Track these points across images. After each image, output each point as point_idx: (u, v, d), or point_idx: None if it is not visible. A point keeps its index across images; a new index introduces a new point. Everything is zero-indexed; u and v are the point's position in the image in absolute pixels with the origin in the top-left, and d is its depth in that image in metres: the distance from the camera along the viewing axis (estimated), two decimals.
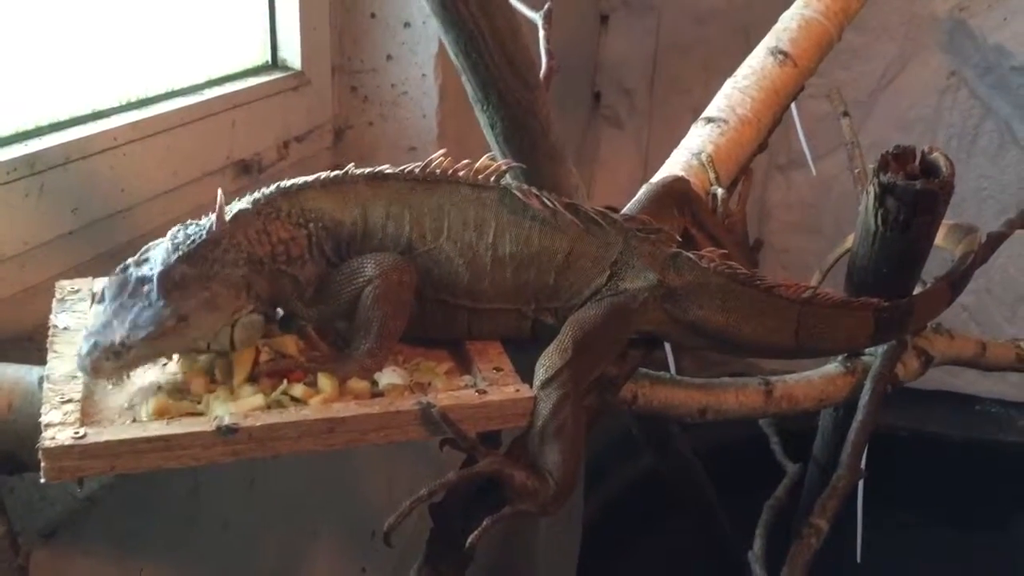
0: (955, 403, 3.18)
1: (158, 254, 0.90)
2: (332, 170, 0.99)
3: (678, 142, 1.42)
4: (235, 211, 0.94)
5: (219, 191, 0.92)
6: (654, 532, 2.75)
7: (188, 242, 0.90)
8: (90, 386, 0.90)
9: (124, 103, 1.36)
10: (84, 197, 1.23)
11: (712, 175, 1.30)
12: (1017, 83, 2.83)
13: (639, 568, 2.71)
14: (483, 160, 1.01)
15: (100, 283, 1.06)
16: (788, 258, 3.15)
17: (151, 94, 1.41)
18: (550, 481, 0.95)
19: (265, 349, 0.95)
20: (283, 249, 0.94)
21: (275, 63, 1.72)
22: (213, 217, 0.91)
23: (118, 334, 0.86)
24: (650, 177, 1.26)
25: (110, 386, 0.90)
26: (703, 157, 1.31)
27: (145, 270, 0.88)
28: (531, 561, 2.12)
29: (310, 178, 0.98)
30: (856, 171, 1.65)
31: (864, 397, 1.32)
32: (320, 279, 0.97)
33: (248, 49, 1.67)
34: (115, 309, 0.87)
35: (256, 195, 0.96)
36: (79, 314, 1.00)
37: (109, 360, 0.85)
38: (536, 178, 1.07)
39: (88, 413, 0.86)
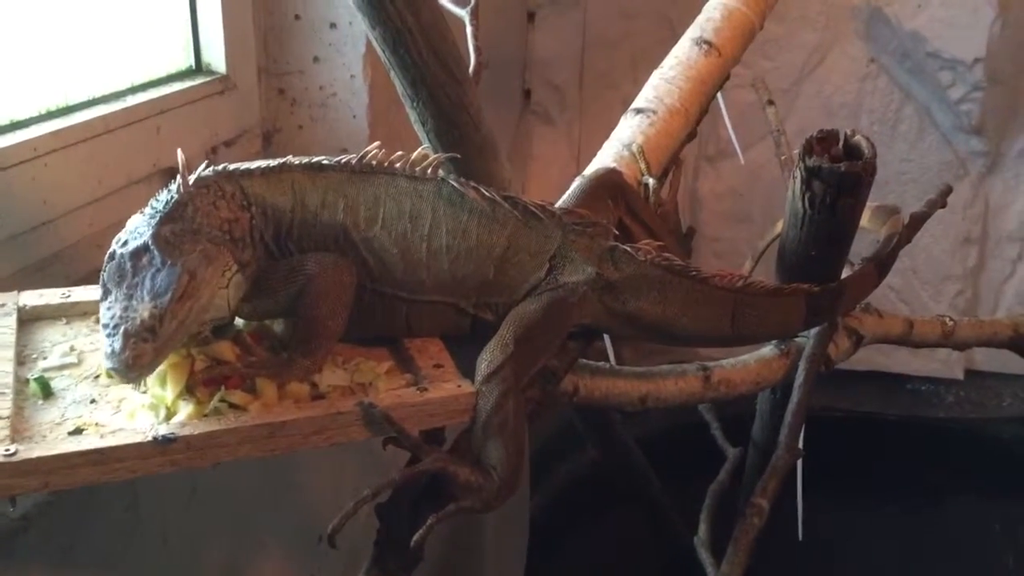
0: (886, 383, 3.26)
1: (138, 227, 0.89)
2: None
3: (609, 136, 1.43)
4: (196, 176, 0.93)
5: (179, 151, 0.91)
6: (602, 524, 2.77)
7: (163, 206, 0.89)
8: (19, 402, 0.88)
9: (44, 112, 1.32)
10: (4, 210, 1.19)
11: (643, 165, 1.31)
12: (933, 68, 2.90)
13: (588, 561, 2.73)
14: (419, 152, 1.01)
15: (26, 296, 1.04)
16: (720, 247, 3.20)
17: (72, 102, 1.37)
18: (494, 476, 0.96)
19: (200, 357, 0.93)
20: (228, 228, 0.93)
21: (199, 67, 1.69)
22: (179, 180, 0.91)
23: (144, 310, 0.83)
24: (583, 172, 1.27)
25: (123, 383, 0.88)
26: (634, 148, 1.32)
27: (133, 245, 0.87)
28: (479, 558, 2.12)
29: (251, 165, 0.98)
30: (783, 158, 1.68)
31: (799, 378, 1.35)
32: (257, 271, 0.96)
33: (171, 54, 1.64)
34: (126, 292, 0.85)
35: (204, 173, 0.95)
36: (4, 329, 0.97)
37: (147, 341, 0.82)
38: (469, 172, 1.07)
39: (18, 429, 0.84)
